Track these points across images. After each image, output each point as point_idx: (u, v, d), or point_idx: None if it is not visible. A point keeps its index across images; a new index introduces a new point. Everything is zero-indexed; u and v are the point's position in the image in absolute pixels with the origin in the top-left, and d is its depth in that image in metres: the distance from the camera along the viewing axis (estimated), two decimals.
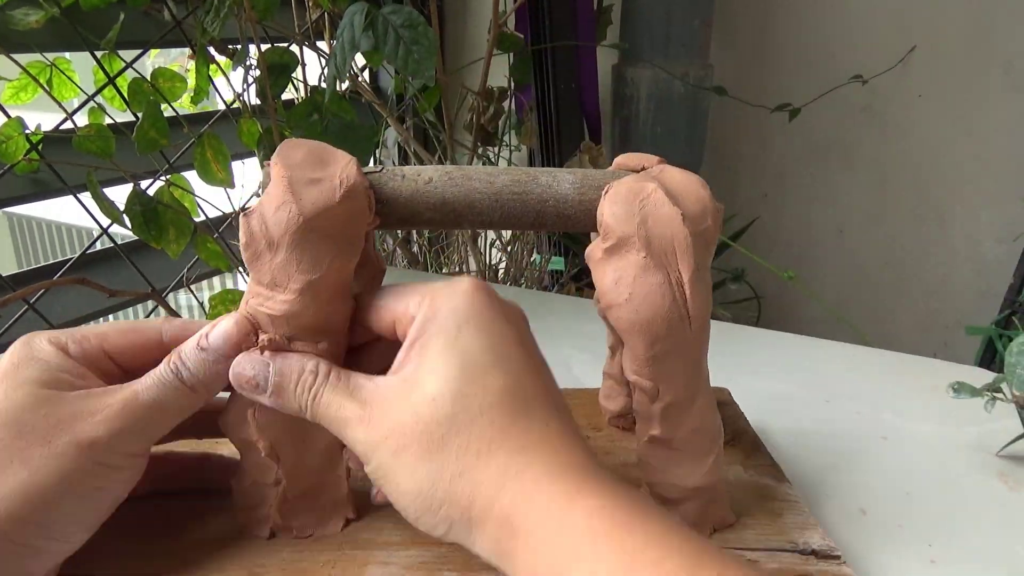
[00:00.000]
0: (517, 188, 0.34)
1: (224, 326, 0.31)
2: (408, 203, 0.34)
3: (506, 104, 1.10)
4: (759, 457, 0.43)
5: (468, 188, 0.34)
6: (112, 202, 0.67)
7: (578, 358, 0.62)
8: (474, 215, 0.34)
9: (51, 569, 0.30)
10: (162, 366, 0.31)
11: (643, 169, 0.35)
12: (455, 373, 0.28)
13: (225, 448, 0.37)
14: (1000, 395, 0.46)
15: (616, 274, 0.33)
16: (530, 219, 0.35)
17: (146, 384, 0.31)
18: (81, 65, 0.73)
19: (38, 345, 0.31)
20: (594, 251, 0.34)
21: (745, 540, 0.35)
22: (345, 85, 0.94)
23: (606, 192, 0.34)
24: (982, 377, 0.57)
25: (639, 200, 0.32)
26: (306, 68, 0.83)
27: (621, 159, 0.36)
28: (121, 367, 0.33)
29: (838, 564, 0.34)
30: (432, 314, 0.30)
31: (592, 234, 0.37)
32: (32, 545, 0.28)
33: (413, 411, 0.28)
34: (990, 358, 1.13)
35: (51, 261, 0.77)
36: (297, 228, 0.30)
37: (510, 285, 1.05)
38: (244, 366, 0.31)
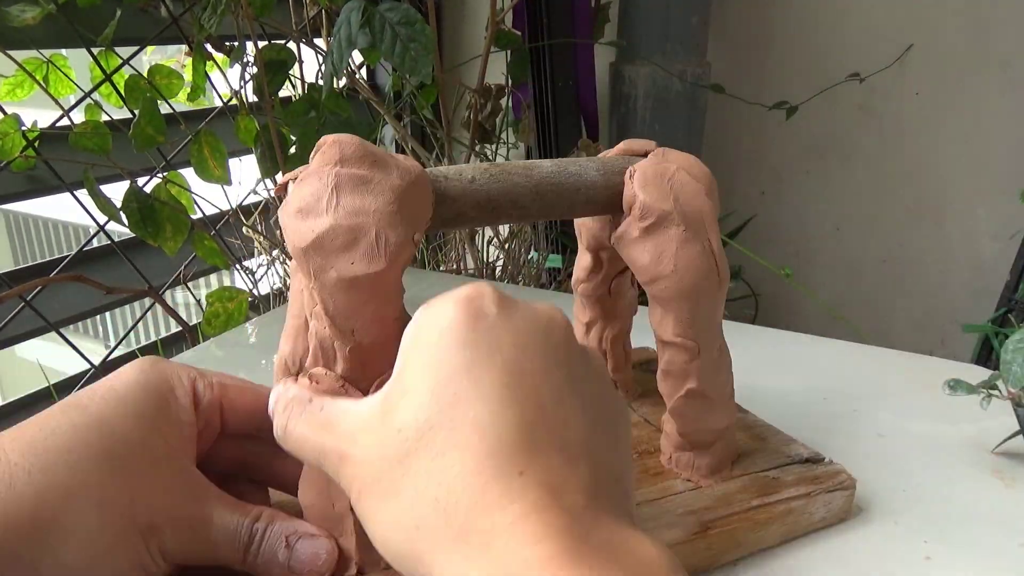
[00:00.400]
0: (553, 179, 0.35)
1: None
2: (455, 203, 0.33)
3: (504, 101, 1.09)
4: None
5: (509, 183, 0.34)
6: (109, 199, 0.67)
7: None
8: (516, 209, 0.35)
9: None
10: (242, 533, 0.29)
11: (647, 153, 0.37)
12: (425, 400, 0.23)
13: None
14: (996, 392, 0.46)
15: (658, 249, 0.35)
16: (564, 208, 0.36)
17: (221, 528, 0.29)
18: (78, 62, 0.73)
19: (177, 380, 0.30)
20: (629, 231, 0.36)
21: (759, 464, 0.40)
22: (342, 82, 0.94)
23: (631, 176, 0.36)
24: (978, 374, 0.57)
25: (667, 180, 0.35)
26: (303, 65, 0.82)
27: (625, 145, 0.38)
28: (225, 423, 0.32)
29: (828, 464, 0.41)
30: (416, 328, 0.26)
31: (609, 217, 0.38)
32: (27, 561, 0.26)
33: (380, 443, 0.24)
34: (986, 355, 1.13)
35: (48, 258, 0.76)
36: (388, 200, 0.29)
37: (508, 283, 1.05)
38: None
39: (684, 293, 0.35)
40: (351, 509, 0.27)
